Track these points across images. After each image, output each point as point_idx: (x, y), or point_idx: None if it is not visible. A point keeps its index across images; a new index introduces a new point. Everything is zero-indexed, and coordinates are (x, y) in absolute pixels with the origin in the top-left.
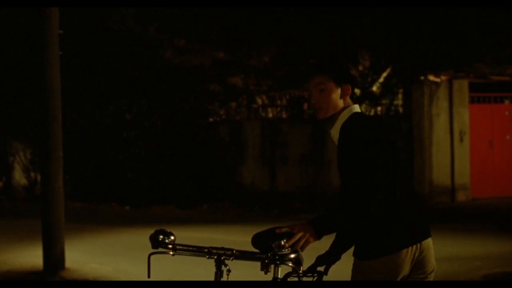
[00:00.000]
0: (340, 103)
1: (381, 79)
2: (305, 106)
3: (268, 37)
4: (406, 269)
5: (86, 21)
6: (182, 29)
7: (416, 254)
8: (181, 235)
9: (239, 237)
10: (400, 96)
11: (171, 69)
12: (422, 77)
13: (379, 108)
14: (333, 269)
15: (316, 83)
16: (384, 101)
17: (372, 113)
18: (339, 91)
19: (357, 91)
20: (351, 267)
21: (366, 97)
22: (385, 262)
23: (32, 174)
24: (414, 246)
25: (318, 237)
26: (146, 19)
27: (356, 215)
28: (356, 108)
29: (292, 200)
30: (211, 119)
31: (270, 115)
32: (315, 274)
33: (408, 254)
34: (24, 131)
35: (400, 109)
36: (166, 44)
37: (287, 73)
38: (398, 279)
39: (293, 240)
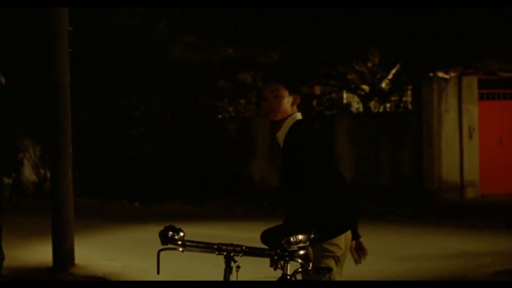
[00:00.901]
0: (289, 110)
1: (390, 76)
2: (314, 102)
3: (277, 34)
4: (347, 247)
5: (94, 18)
6: (191, 26)
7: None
8: (190, 231)
9: (248, 234)
10: (409, 92)
11: (180, 66)
12: (431, 74)
13: (388, 105)
14: None
15: (273, 89)
16: (393, 98)
17: (381, 109)
18: (291, 99)
19: (366, 87)
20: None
21: (375, 94)
22: (336, 241)
23: (42, 171)
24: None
25: None
26: (154, 15)
27: (305, 210)
28: (299, 115)
29: None
30: (220, 116)
31: None
32: (325, 271)
33: (348, 235)
34: (34, 128)
35: (409, 106)
36: (175, 40)
37: (296, 70)
38: (343, 254)
39: None
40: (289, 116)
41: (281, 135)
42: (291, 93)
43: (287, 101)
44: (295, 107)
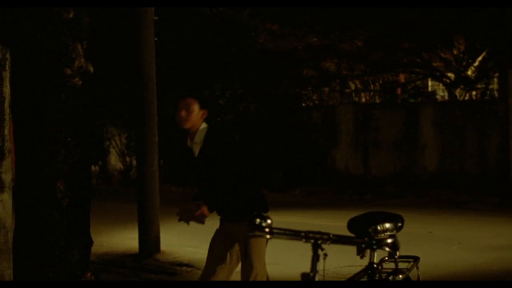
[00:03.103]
0: (198, 122)
1: (476, 63)
2: (398, 90)
3: (360, 21)
4: None
5: (178, 6)
6: (275, 14)
7: None
8: (275, 219)
9: (332, 222)
10: (495, 80)
11: (264, 54)
12: None
13: (474, 93)
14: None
15: (187, 103)
16: (479, 86)
17: (467, 97)
18: (200, 113)
19: (451, 75)
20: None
21: (460, 82)
22: None
23: (128, 159)
24: None
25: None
26: (238, 3)
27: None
28: (205, 124)
29: (385, 184)
30: (303, 104)
31: (363, 100)
32: (411, 259)
33: None
34: (119, 117)
35: (496, 94)
36: (259, 28)
37: (380, 57)
38: None
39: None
40: (199, 126)
41: (199, 141)
42: (201, 108)
43: (197, 114)
44: (202, 120)
